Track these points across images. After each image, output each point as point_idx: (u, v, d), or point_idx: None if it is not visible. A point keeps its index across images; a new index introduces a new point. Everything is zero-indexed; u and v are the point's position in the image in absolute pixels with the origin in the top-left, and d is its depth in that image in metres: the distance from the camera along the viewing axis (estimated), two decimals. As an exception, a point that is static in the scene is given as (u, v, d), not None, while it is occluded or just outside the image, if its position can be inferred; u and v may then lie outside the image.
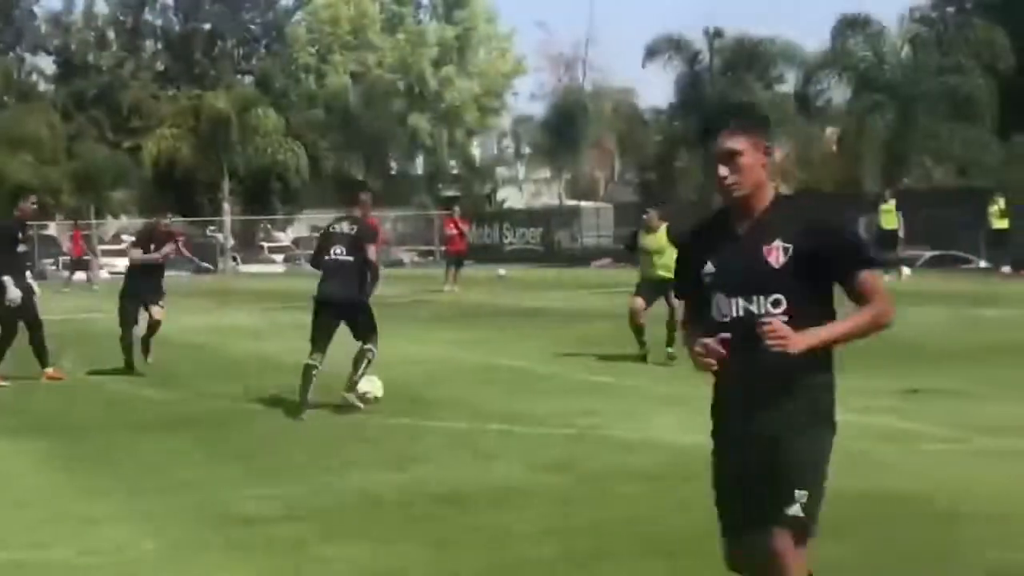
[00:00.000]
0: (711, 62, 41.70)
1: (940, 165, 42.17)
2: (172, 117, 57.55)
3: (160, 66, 70.13)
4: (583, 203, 59.69)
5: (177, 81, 67.81)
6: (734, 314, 4.14)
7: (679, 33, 42.49)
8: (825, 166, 44.50)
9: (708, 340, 4.12)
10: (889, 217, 29.46)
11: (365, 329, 11.01)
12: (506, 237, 52.13)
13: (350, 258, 10.83)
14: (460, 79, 67.62)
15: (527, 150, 65.88)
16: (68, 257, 38.77)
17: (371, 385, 10.94)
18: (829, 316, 4.15)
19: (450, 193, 66.56)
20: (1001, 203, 28.72)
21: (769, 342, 3.96)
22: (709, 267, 4.22)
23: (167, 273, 15.14)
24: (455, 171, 69.66)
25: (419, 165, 70.47)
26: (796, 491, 4.09)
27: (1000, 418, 9.70)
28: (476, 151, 73.83)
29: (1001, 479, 7.67)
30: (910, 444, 8.89)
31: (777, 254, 4.10)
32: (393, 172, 69.28)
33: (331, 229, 11.20)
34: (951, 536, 6.41)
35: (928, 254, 32.19)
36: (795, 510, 4.09)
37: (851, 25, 38.00)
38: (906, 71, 37.17)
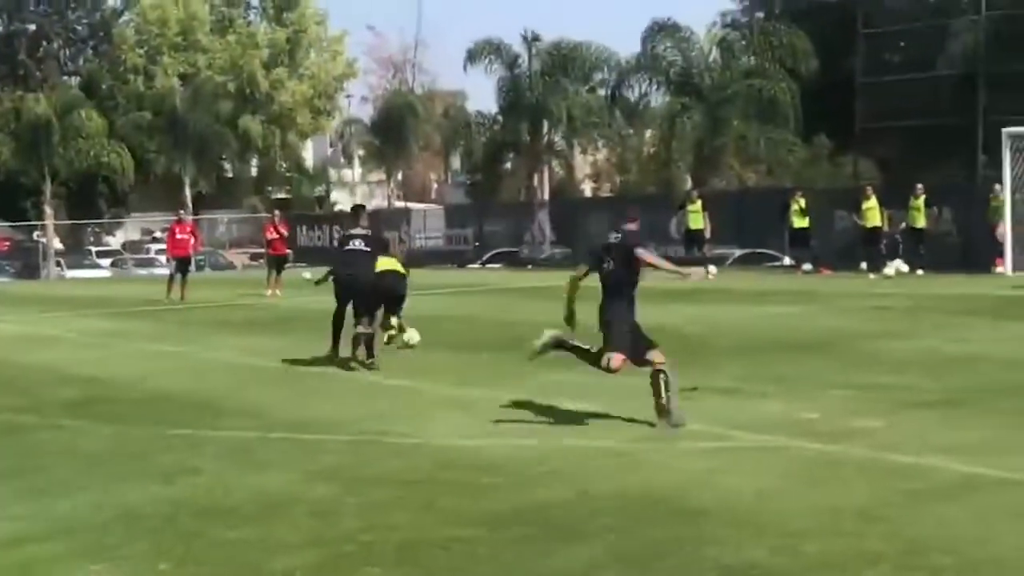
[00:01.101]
0: (530, 66, 41.92)
1: (748, 166, 43.19)
2: (-6, 120, 55.85)
3: (-17, 67, 67.80)
4: (413, 205, 59.59)
5: (1, 83, 65.61)
6: None
7: (499, 37, 42.67)
8: (642, 168, 45.24)
9: None
10: (696, 217, 30.09)
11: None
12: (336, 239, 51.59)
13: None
14: (291, 81, 66.96)
15: (360, 152, 65.59)
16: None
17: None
18: None
19: (279, 195, 65.82)
20: (802, 203, 29.49)
21: None
22: None
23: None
24: (288, 173, 68.97)
25: (252, 167, 69.56)
26: None
27: (769, 415, 9.92)
28: (308, 153, 73.20)
29: (754, 478, 7.82)
30: (677, 443, 9.02)
31: None
32: (229, 174, 68.25)
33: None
34: (694, 535, 6.49)
35: (737, 252, 32.92)
36: None
37: (661, 30, 38.57)
38: (714, 75, 37.92)
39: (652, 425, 9.50)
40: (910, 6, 39.63)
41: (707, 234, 29.91)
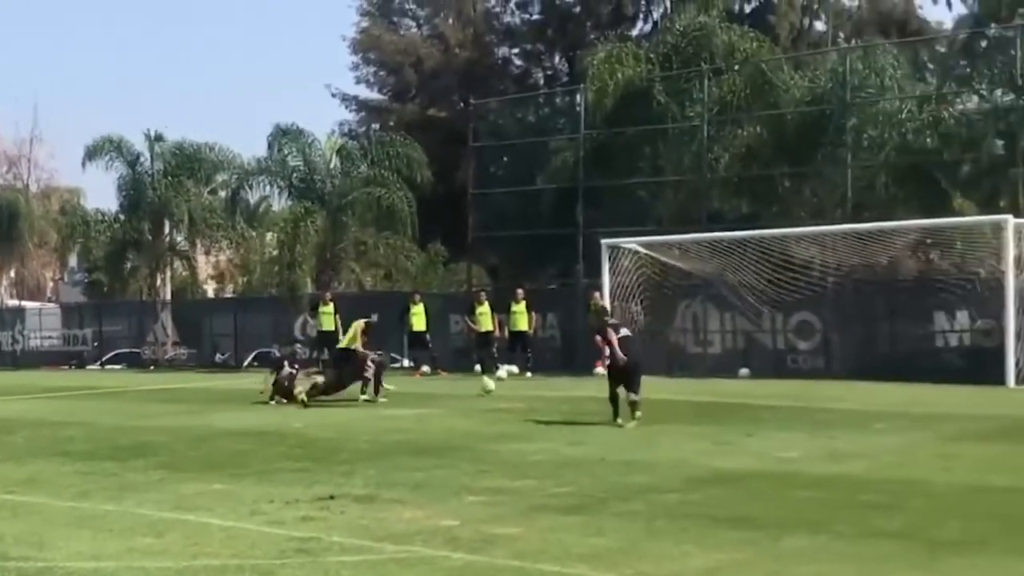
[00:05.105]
0: (152, 165, 40.47)
1: (368, 270, 43.23)
2: None
3: None
4: (28, 303, 55.95)
5: None
6: None
7: (119, 135, 40.91)
8: (265, 270, 44.44)
9: None
10: (328, 319, 29.87)
11: None
12: (-59, 341, 47.73)
13: None
14: None
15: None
16: None
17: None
18: None
19: None
20: (420, 306, 29.65)
21: None
22: None
23: None
24: None
25: None
26: None
27: (410, 523, 9.55)
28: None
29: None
30: (320, 556, 8.48)
31: None
32: None
33: None
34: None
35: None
36: None
37: (285, 134, 38.21)
38: (335, 181, 37.85)
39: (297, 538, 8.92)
40: (514, 124, 41.03)
41: (339, 336, 29.78)
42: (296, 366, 22.97)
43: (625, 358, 16.93)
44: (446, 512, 9.98)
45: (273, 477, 12.32)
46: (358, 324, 22.91)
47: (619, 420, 16.63)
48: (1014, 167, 28.50)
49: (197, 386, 27.98)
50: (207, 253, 47.03)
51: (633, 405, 16.69)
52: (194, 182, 40.24)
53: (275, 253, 40.87)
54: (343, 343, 22.96)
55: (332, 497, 10.77)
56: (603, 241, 29.30)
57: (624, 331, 17.83)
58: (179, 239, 42.50)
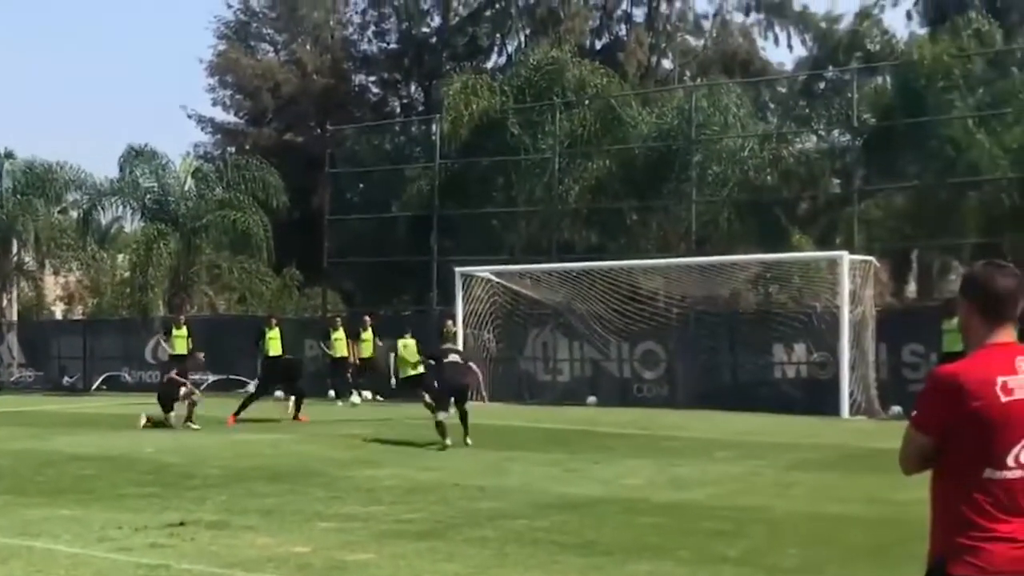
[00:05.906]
0: (1, 183, 39.13)
1: (222, 294, 42.52)
2: None
3: None
4: None
5: None
6: None
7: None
8: (116, 292, 43.35)
9: None
10: (181, 343, 29.27)
11: None
12: None
13: None
14: None
15: None
16: None
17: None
18: None
19: None
20: (276, 331, 29.18)
21: None
22: None
23: None
24: None
25: None
26: None
27: (261, 550, 9.43)
28: None
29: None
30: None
31: None
32: None
33: None
34: None
35: (211, 378, 31.99)
36: None
37: (138, 155, 37.33)
38: (189, 203, 37.12)
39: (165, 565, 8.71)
40: (371, 151, 40.85)
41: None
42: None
43: (447, 382, 17.71)
44: (298, 538, 9.87)
45: (122, 503, 12.02)
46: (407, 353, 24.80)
47: (448, 441, 17.05)
48: (849, 205, 29.52)
49: (43, 409, 27.14)
50: (56, 274, 45.63)
51: (463, 420, 17.51)
52: (44, 201, 39.02)
53: (127, 275, 39.88)
54: (409, 373, 24.43)
55: (182, 523, 10.56)
56: (457, 269, 29.37)
57: (454, 356, 18.27)
58: (27, 259, 41.25)
